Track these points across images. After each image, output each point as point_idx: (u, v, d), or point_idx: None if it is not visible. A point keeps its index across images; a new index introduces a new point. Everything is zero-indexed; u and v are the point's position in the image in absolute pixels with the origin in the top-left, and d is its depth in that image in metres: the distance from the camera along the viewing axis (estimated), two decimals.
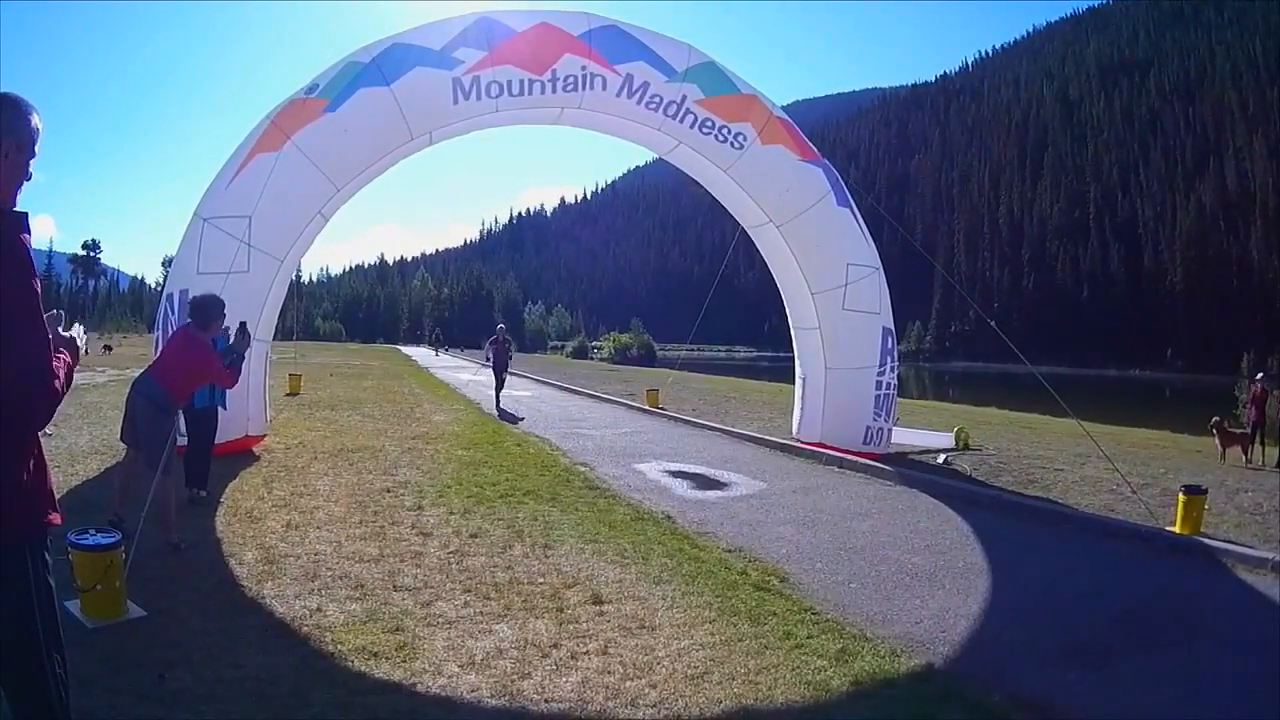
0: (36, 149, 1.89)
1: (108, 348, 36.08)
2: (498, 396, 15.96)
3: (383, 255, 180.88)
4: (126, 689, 3.18)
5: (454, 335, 60.93)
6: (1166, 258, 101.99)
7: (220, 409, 6.89)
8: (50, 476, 1.95)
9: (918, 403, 25.99)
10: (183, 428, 6.56)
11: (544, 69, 8.99)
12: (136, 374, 5.64)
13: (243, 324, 5.64)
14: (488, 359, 16.99)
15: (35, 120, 1.88)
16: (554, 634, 4.02)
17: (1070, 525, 7.09)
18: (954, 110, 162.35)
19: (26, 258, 1.77)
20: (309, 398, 15.46)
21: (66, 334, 2.09)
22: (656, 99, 9.48)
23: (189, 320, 5.74)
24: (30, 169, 1.88)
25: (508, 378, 16.88)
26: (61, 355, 1.95)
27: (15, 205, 1.85)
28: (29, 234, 1.81)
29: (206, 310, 5.61)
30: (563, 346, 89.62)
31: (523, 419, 13.56)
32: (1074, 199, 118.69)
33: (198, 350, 5.40)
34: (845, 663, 3.80)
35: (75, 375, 2.06)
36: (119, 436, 5.69)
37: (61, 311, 2.12)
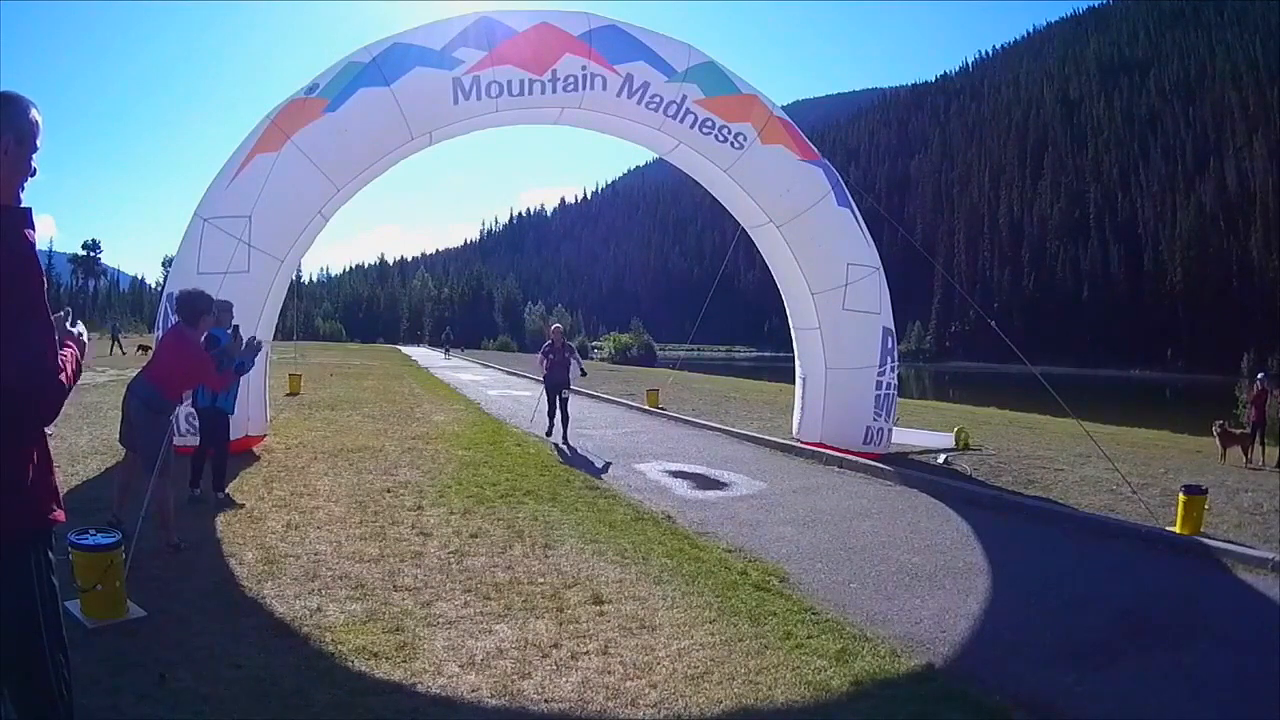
0: (38, 143, 1.88)
1: (143, 348, 35.53)
2: (553, 424, 11.26)
3: (383, 255, 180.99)
4: (126, 689, 3.18)
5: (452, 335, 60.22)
6: (1166, 258, 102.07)
7: (228, 412, 6.65)
8: (55, 474, 1.95)
9: (918, 403, 25.98)
10: (182, 427, 6.56)
11: (544, 69, 8.99)
12: (136, 374, 5.62)
13: (236, 327, 5.55)
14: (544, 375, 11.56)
15: (34, 114, 1.87)
16: (554, 634, 4.02)
17: (1070, 525, 7.09)
18: (954, 110, 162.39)
19: (30, 253, 1.77)
20: (309, 398, 15.46)
21: (75, 330, 2.09)
22: (656, 99, 9.48)
23: (177, 318, 5.66)
24: (33, 164, 1.88)
25: (570, 397, 11.50)
26: (69, 348, 1.94)
27: (19, 201, 1.85)
28: (33, 229, 1.80)
29: (193, 305, 5.49)
30: None
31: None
32: (1074, 199, 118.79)
33: (189, 348, 5.35)
34: (845, 663, 3.80)
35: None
36: (119, 440, 5.67)
37: (69, 309, 2.12)
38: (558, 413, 11.24)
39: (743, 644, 3.98)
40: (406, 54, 8.70)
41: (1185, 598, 5.23)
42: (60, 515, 1.93)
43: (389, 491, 7.16)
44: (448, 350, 51.09)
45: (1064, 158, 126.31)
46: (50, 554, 1.90)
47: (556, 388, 11.28)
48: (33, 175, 1.88)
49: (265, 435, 9.40)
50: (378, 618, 4.13)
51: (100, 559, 3.82)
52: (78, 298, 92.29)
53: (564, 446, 10.61)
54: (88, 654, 3.39)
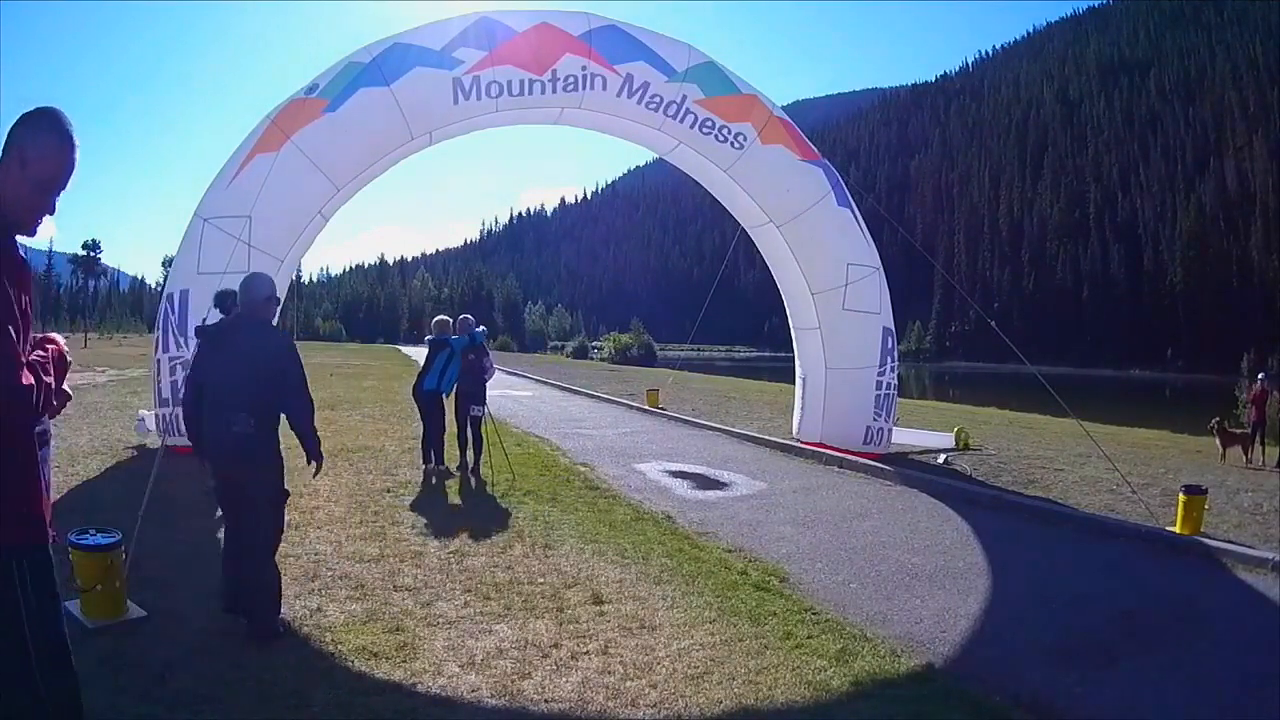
0: (66, 181, 1.80)
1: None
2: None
3: (383, 255, 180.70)
4: (127, 689, 3.18)
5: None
6: (1166, 258, 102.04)
7: (444, 395, 8.13)
8: (43, 484, 1.84)
9: (918, 403, 25.98)
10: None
11: (544, 69, 8.98)
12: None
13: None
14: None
15: (61, 146, 1.78)
16: (554, 634, 4.02)
17: (1070, 525, 7.08)
18: (954, 110, 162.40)
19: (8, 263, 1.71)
20: None
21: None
22: (656, 99, 9.47)
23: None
24: (55, 202, 1.81)
25: (483, 415, 8.32)
26: (48, 349, 1.84)
27: (33, 231, 1.80)
28: (14, 241, 1.76)
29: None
30: (563, 346, 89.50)
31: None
32: (1074, 199, 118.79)
33: None
34: (845, 663, 3.80)
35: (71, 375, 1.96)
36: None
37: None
38: (467, 434, 8.28)
39: (743, 644, 3.98)
40: (406, 54, 8.70)
41: (1185, 598, 5.23)
42: (45, 530, 1.82)
43: (389, 491, 7.15)
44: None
45: (1064, 158, 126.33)
46: (40, 569, 1.78)
47: (466, 400, 8.26)
48: (50, 214, 1.81)
49: None
50: (378, 618, 4.13)
51: (100, 559, 3.82)
52: (78, 298, 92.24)
53: (471, 478, 7.94)
54: (88, 654, 3.38)
